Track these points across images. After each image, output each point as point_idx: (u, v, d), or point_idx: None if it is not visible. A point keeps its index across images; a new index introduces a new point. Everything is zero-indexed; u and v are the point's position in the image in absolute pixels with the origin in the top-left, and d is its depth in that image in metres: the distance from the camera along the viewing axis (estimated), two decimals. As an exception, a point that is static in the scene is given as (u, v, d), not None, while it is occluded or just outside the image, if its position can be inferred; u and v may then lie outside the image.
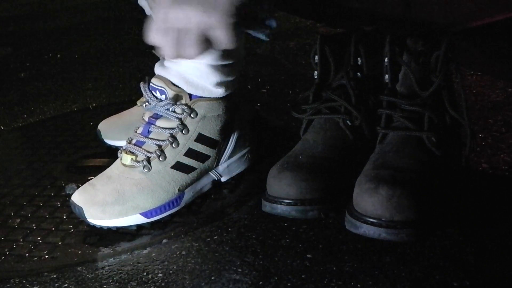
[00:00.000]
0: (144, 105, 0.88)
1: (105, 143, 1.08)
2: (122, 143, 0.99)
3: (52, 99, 1.46)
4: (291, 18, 1.96)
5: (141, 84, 0.87)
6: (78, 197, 0.83)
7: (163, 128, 0.85)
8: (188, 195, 0.87)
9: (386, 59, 0.81)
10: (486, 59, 1.56)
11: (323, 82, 0.88)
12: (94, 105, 1.38)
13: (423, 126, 0.78)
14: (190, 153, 0.86)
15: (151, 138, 0.85)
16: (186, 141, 0.86)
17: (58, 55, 1.86)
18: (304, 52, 1.58)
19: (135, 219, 0.83)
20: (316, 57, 0.88)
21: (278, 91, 1.32)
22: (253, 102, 1.26)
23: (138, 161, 0.84)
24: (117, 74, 1.61)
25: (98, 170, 1.03)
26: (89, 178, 1.00)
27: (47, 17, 2.48)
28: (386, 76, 0.82)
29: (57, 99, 1.45)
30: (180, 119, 0.85)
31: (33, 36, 2.16)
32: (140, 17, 1.14)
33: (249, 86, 1.35)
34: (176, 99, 0.85)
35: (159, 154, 0.84)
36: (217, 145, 0.89)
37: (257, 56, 1.60)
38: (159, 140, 0.85)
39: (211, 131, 0.87)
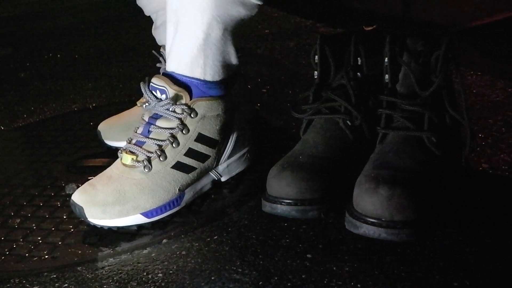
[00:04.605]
0: (144, 105, 0.88)
1: (105, 144, 1.08)
2: (122, 143, 0.99)
3: (52, 99, 1.46)
4: (291, 18, 1.96)
5: (141, 84, 0.87)
6: (79, 197, 0.83)
7: (163, 128, 0.85)
8: (188, 195, 0.87)
9: (386, 59, 0.81)
10: (486, 59, 1.56)
11: (323, 82, 0.88)
12: (94, 105, 1.38)
13: (423, 126, 0.78)
14: (190, 153, 0.86)
15: (151, 138, 0.85)
16: (186, 141, 0.86)
17: (58, 55, 1.86)
18: (304, 52, 1.58)
19: (136, 219, 0.83)
20: (316, 57, 0.88)
21: (278, 91, 1.32)
22: (253, 102, 1.26)
23: (138, 161, 0.84)
24: (117, 74, 1.61)
25: (98, 170, 1.03)
26: (89, 178, 1.00)
27: (47, 17, 2.48)
28: (386, 76, 0.82)
29: (57, 99, 1.45)
30: (180, 119, 0.85)
31: (33, 36, 2.16)
32: (140, 17, 1.14)
33: (249, 86, 1.35)
34: (176, 98, 0.85)
35: (159, 154, 0.84)
36: (217, 145, 0.89)
37: (257, 56, 1.60)
38: (159, 140, 0.85)
39: (211, 131, 0.87)
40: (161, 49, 1.07)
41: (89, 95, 1.45)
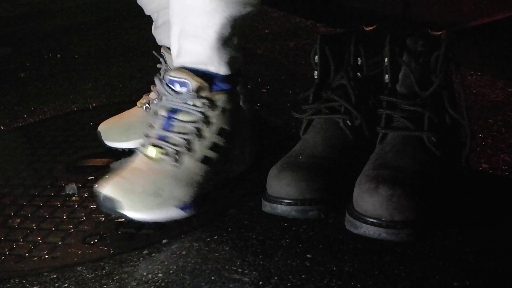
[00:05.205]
0: (154, 100, 0.87)
1: (106, 145, 1.08)
2: (122, 144, 0.99)
3: (52, 99, 1.46)
4: (291, 18, 1.96)
5: (156, 78, 0.86)
6: (112, 190, 0.80)
7: (186, 121, 0.84)
8: (214, 189, 0.87)
9: (386, 59, 0.81)
10: (486, 59, 1.56)
11: (323, 82, 0.88)
12: (94, 105, 1.38)
13: (423, 126, 0.78)
14: (213, 146, 0.86)
15: (176, 132, 0.84)
16: (210, 134, 0.85)
17: (58, 55, 1.86)
18: (304, 52, 1.58)
19: (173, 212, 0.82)
20: (316, 57, 0.88)
21: (278, 91, 1.32)
22: (253, 102, 1.26)
23: (167, 154, 0.83)
24: (117, 74, 1.61)
25: (98, 170, 1.03)
26: (89, 178, 1.00)
27: (47, 17, 2.48)
28: (386, 76, 0.82)
29: (57, 99, 1.45)
30: (202, 112, 0.84)
31: (33, 36, 2.16)
32: (140, 17, 1.14)
33: (249, 86, 1.35)
34: (198, 91, 0.84)
35: (188, 147, 0.83)
36: (233, 139, 0.88)
37: (257, 56, 1.60)
38: (185, 133, 0.84)
39: (229, 124, 0.87)
40: (162, 50, 1.07)
41: (89, 95, 1.45)
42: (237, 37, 0.87)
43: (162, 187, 0.81)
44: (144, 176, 0.82)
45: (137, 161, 0.85)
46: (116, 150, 1.07)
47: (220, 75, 0.87)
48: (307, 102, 0.88)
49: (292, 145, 0.87)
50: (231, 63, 0.87)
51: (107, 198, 0.80)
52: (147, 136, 0.86)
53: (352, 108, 0.84)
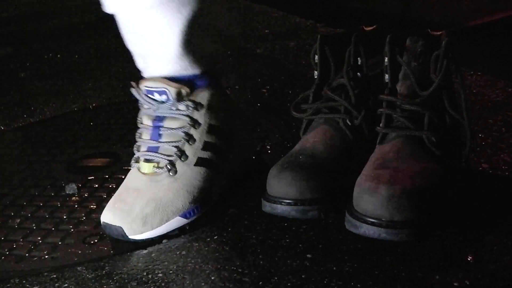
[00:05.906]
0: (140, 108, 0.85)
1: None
2: None
3: (52, 99, 1.46)
4: (291, 18, 1.96)
5: (134, 90, 0.84)
6: (112, 217, 0.80)
7: (174, 128, 0.83)
8: (217, 189, 0.86)
9: (386, 59, 0.81)
10: (486, 59, 1.56)
11: (323, 82, 0.88)
12: (94, 105, 1.38)
13: (423, 126, 0.78)
14: (206, 146, 0.84)
15: (165, 142, 0.83)
16: (200, 135, 0.84)
17: (58, 55, 1.86)
18: (304, 52, 1.58)
19: (176, 222, 0.82)
20: (316, 57, 0.88)
21: (278, 91, 1.32)
22: (253, 101, 1.26)
23: (160, 167, 0.82)
24: (117, 74, 1.61)
25: (98, 170, 1.03)
26: (89, 178, 1.00)
27: (47, 17, 2.48)
28: (386, 76, 0.82)
29: (57, 99, 1.45)
30: (187, 115, 0.83)
31: (33, 36, 2.16)
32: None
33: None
34: (179, 95, 0.82)
35: (180, 154, 0.82)
36: (226, 135, 0.87)
37: (257, 56, 1.60)
38: (174, 141, 0.83)
39: (219, 120, 0.86)
40: None
41: (89, 95, 1.45)
42: (198, 35, 0.84)
43: (161, 202, 0.80)
44: (142, 195, 0.81)
45: (133, 179, 0.84)
46: (115, 150, 1.07)
47: (196, 74, 0.84)
48: (307, 102, 0.88)
49: (292, 145, 0.87)
50: (204, 59, 0.85)
51: (108, 226, 0.80)
52: (138, 149, 0.85)
53: (352, 108, 0.84)
